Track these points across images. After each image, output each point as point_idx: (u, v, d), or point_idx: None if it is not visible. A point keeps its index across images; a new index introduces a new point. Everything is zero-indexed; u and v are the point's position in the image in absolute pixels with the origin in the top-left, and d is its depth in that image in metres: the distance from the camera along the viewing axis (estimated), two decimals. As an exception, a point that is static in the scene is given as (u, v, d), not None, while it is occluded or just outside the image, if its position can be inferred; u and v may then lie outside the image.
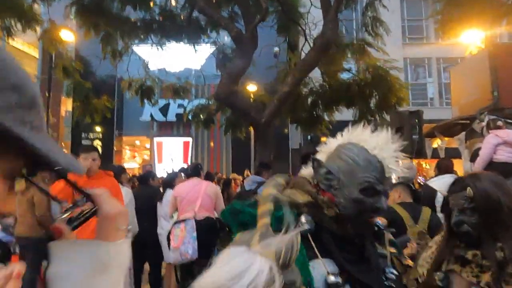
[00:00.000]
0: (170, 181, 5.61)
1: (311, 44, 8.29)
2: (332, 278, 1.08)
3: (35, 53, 19.56)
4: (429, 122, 8.24)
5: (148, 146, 21.69)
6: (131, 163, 21.58)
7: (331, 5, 7.50)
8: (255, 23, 7.68)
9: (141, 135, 21.31)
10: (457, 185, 1.60)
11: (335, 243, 1.14)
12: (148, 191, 5.82)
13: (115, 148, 20.72)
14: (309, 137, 13.98)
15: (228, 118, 10.73)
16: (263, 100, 9.42)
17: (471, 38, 10.56)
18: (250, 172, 10.88)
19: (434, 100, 19.41)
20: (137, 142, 22.74)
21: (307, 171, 1.28)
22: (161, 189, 5.82)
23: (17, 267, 0.76)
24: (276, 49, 12.34)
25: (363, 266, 1.16)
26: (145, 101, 10.61)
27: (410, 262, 1.34)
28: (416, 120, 6.04)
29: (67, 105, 20.22)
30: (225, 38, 12.04)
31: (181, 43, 10.41)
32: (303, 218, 1.15)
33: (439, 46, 18.32)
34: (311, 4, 9.25)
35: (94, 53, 10.41)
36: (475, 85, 7.76)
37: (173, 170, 7.30)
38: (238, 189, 8.06)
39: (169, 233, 4.50)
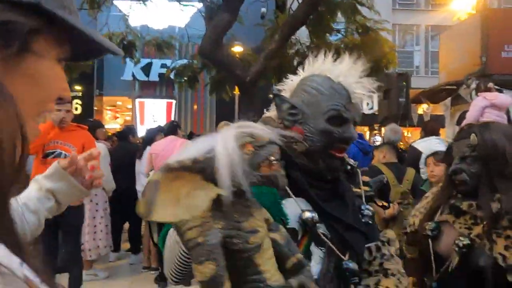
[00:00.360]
0: (150, 138, 5.43)
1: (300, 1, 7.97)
2: (307, 214, 1.05)
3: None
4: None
5: (130, 107, 21.20)
6: (113, 124, 21.14)
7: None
8: (243, -25, 7.31)
9: (122, 95, 20.72)
10: (463, 132, 1.50)
11: (306, 181, 1.10)
12: (127, 147, 5.65)
13: (95, 108, 20.18)
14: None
15: (212, 77, 10.41)
16: (249, 59, 9.13)
17: (462, 4, 10.42)
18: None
19: (420, 68, 19.37)
20: (119, 103, 22.20)
21: (271, 113, 1.22)
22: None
23: (95, 150, 0.89)
24: (263, 9, 11.88)
25: (336, 203, 1.13)
26: (127, 59, 10.15)
27: (384, 203, 1.31)
28: (404, 83, 5.96)
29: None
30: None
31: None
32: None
33: (429, 13, 18.09)
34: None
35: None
36: (464, 50, 7.68)
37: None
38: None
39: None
